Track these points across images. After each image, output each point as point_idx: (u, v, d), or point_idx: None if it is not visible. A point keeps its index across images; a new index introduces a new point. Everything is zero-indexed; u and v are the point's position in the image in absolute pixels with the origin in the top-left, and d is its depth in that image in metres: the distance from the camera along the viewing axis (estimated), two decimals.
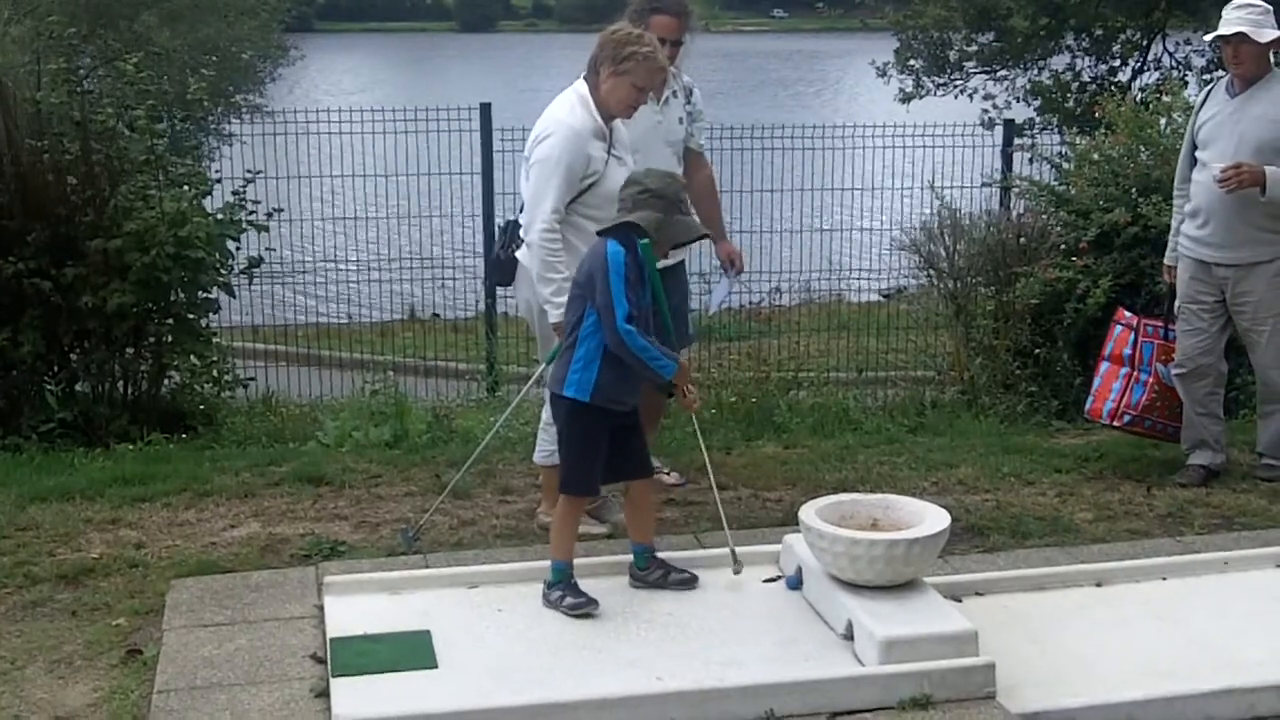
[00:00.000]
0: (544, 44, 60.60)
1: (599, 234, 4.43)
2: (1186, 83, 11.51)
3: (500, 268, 5.34)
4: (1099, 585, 4.70)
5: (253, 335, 9.57)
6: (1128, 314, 6.24)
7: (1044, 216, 7.79)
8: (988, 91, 18.42)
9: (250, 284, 7.68)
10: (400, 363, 9.38)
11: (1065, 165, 8.31)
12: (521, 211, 5.14)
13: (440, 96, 10.28)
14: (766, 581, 4.58)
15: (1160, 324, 6.14)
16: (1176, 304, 6.04)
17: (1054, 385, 7.41)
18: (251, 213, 7.34)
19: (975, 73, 18.76)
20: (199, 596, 4.53)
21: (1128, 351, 6.12)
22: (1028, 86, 18.31)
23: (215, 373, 7.42)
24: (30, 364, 6.78)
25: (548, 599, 4.39)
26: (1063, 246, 7.47)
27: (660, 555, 4.60)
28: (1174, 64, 17.99)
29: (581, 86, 5.03)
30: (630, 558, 4.60)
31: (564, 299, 4.83)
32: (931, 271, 7.99)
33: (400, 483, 5.90)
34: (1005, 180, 8.96)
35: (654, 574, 4.55)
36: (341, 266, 10.35)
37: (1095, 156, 7.86)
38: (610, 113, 5.00)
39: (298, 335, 10.04)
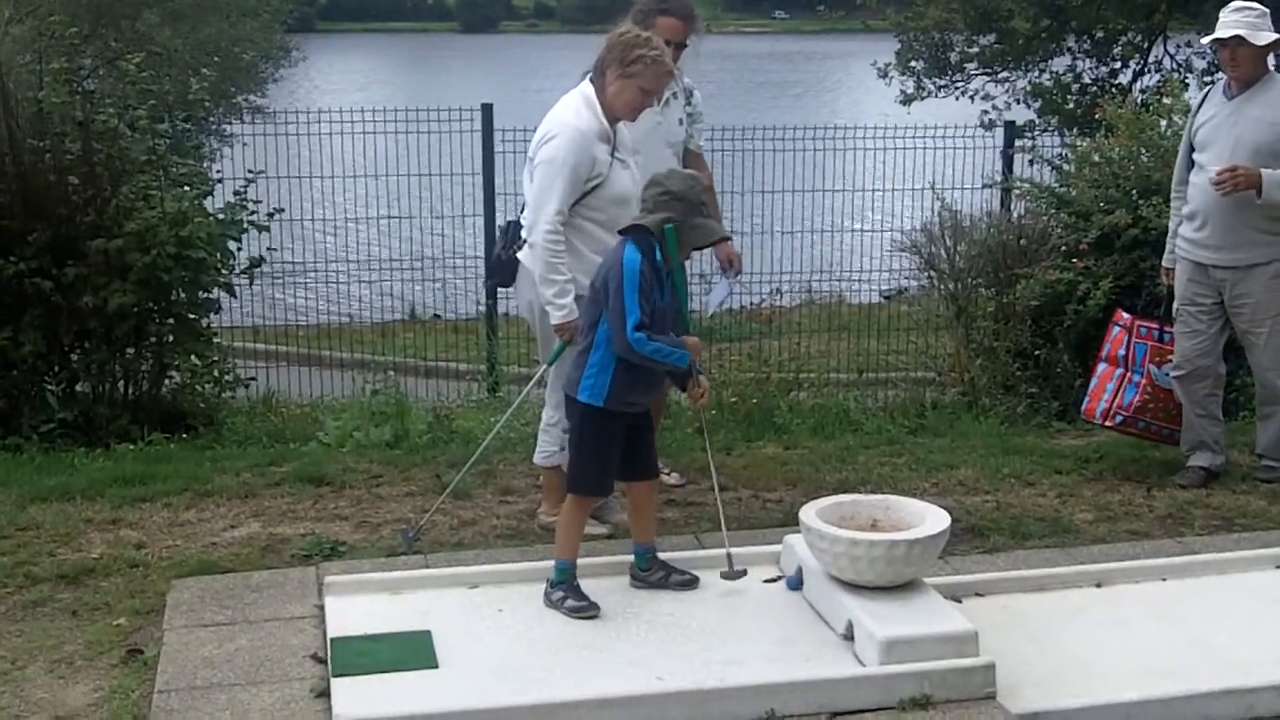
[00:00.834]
0: (546, 45, 60.69)
1: (620, 233, 4.43)
2: (1187, 85, 11.50)
3: (501, 268, 5.33)
4: (1099, 586, 4.70)
5: (254, 335, 9.58)
6: (1125, 315, 6.25)
7: (1044, 218, 7.80)
8: (988, 93, 18.43)
9: (251, 284, 7.68)
10: (401, 363, 9.38)
11: (1066, 167, 8.33)
12: (523, 212, 5.15)
13: (441, 97, 10.28)
14: (767, 582, 4.58)
15: (1155, 325, 6.15)
16: (1175, 306, 6.05)
17: (1054, 386, 7.42)
18: (253, 213, 7.34)
19: (976, 74, 18.78)
20: (199, 596, 4.54)
21: (1122, 353, 6.13)
22: (1028, 88, 18.32)
23: (216, 373, 7.42)
24: (31, 364, 6.78)
25: (549, 599, 4.40)
26: (1063, 248, 7.48)
27: (661, 556, 4.61)
28: (1175, 66, 18.00)
29: (587, 88, 5.02)
30: (631, 558, 4.61)
31: (566, 300, 4.84)
32: (932, 273, 7.99)
33: (401, 483, 5.90)
34: (1006, 182, 8.97)
35: (655, 575, 4.56)
36: (342, 267, 10.36)
37: (1096, 158, 7.87)
38: (615, 115, 4.99)
39: (299, 335, 10.04)
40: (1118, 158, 7.70)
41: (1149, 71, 18.16)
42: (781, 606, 4.41)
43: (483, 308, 9.52)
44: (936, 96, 18.82)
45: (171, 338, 7.11)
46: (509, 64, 50.81)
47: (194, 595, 4.55)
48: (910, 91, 18.81)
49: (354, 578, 4.61)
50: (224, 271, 7.19)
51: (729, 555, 4.58)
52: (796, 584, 4.47)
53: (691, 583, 4.55)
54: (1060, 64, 18.49)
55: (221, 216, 7.19)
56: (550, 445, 5.20)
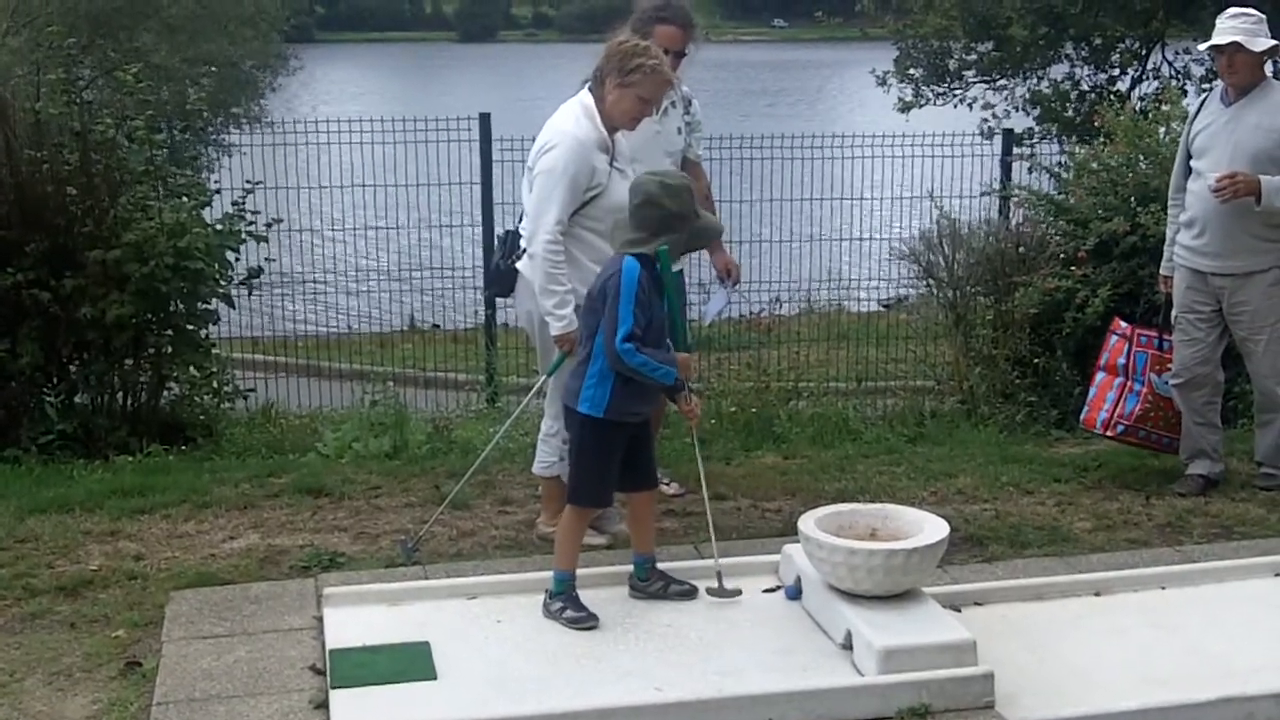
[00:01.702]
0: (544, 54, 60.68)
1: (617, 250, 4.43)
2: (1185, 92, 11.51)
3: (500, 278, 5.33)
4: (1097, 595, 4.70)
5: (252, 346, 9.57)
6: (1123, 324, 6.25)
7: (1043, 226, 7.79)
8: (987, 101, 18.44)
9: (250, 295, 7.68)
10: (400, 373, 9.38)
11: (1064, 174, 8.32)
12: (521, 221, 5.15)
13: (440, 106, 10.29)
14: (766, 592, 4.58)
15: (1155, 334, 6.14)
16: (1173, 314, 6.05)
17: (1053, 395, 7.41)
18: (251, 223, 7.34)
19: (975, 82, 18.77)
20: (198, 608, 4.53)
21: (1122, 361, 6.13)
22: (1027, 96, 18.32)
23: (215, 384, 7.41)
24: (29, 375, 6.77)
25: (548, 609, 4.40)
26: (1061, 256, 7.47)
27: (660, 566, 4.61)
28: (1173, 73, 18.00)
29: (586, 97, 5.02)
30: (630, 568, 4.61)
31: (565, 311, 4.84)
32: (931, 281, 7.99)
33: (400, 494, 5.90)
34: (1004, 190, 8.97)
35: (654, 585, 4.56)
36: (341, 277, 10.35)
37: (1094, 166, 7.86)
38: (614, 124, 4.99)
39: (297, 346, 10.04)
40: (1116, 165, 7.69)
41: (1147, 78, 18.16)
42: (780, 616, 4.41)
43: (482, 318, 9.51)
44: (935, 104, 18.82)
45: (170, 349, 7.10)
46: (507, 73, 50.92)
47: (192, 607, 4.54)
48: (909, 99, 18.82)
49: (353, 589, 4.61)
50: (222, 282, 7.19)
51: (719, 574, 4.57)
52: (795, 594, 4.48)
53: (690, 593, 4.55)
54: (1059, 71, 18.49)
55: (220, 227, 7.19)
56: (549, 455, 5.19)
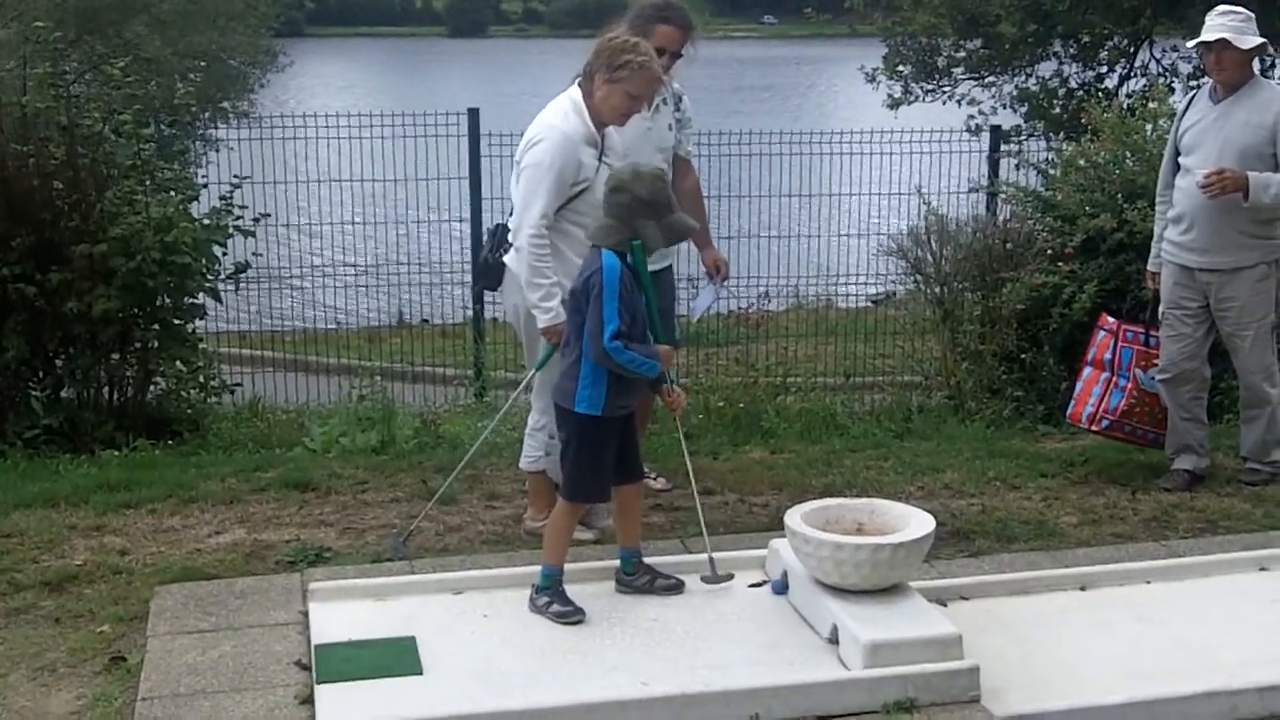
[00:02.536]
0: (534, 50, 60.65)
1: (593, 246, 4.43)
2: (1173, 89, 11.55)
3: (487, 272, 5.31)
4: (1083, 589, 4.72)
5: (239, 341, 9.57)
6: (1110, 319, 6.27)
7: (1030, 222, 7.80)
8: (975, 98, 18.44)
9: (237, 289, 7.66)
10: (388, 368, 9.37)
11: (1051, 171, 8.34)
12: (510, 216, 5.14)
13: (428, 102, 10.25)
14: (752, 586, 4.58)
15: (1141, 330, 6.16)
16: (1160, 310, 6.06)
17: (1040, 390, 7.43)
18: (238, 218, 7.32)
19: (963, 79, 18.78)
20: (183, 603, 4.52)
21: (1108, 357, 6.14)
22: (1015, 93, 18.34)
23: (201, 378, 7.40)
24: (15, 370, 6.76)
25: (535, 604, 4.40)
26: (1049, 252, 7.49)
27: (647, 560, 4.61)
28: (1160, 71, 18.01)
29: (575, 92, 5.02)
30: (616, 563, 4.61)
31: (552, 304, 4.84)
32: (918, 277, 8.00)
33: (387, 489, 5.89)
34: (992, 186, 8.99)
35: (640, 579, 4.56)
36: (329, 272, 10.33)
37: (1081, 162, 7.88)
38: (603, 119, 4.99)
39: (285, 340, 10.02)
40: (1103, 162, 7.71)
41: (1135, 76, 18.17)
42: (766, 611, 4.41)
43: (470, 312, 9.50)
44: (924, 101, 18.83)
45: (156, 343, 7.08)
46: (496, 69, 50.80)
47: (178, 602, 4.53)
48: (898, 96, 18.82)
49: (339, 584, 4.60)
50: (209, 277, 7.18)
51: (711, 559, 4.59)
52: (782, 588, 4.48)
53: (677, 587, 4.55)
54: (1046, 69, 18.50)
55: (207, 222, 7.18)
56: (535, 450, 5.19)
